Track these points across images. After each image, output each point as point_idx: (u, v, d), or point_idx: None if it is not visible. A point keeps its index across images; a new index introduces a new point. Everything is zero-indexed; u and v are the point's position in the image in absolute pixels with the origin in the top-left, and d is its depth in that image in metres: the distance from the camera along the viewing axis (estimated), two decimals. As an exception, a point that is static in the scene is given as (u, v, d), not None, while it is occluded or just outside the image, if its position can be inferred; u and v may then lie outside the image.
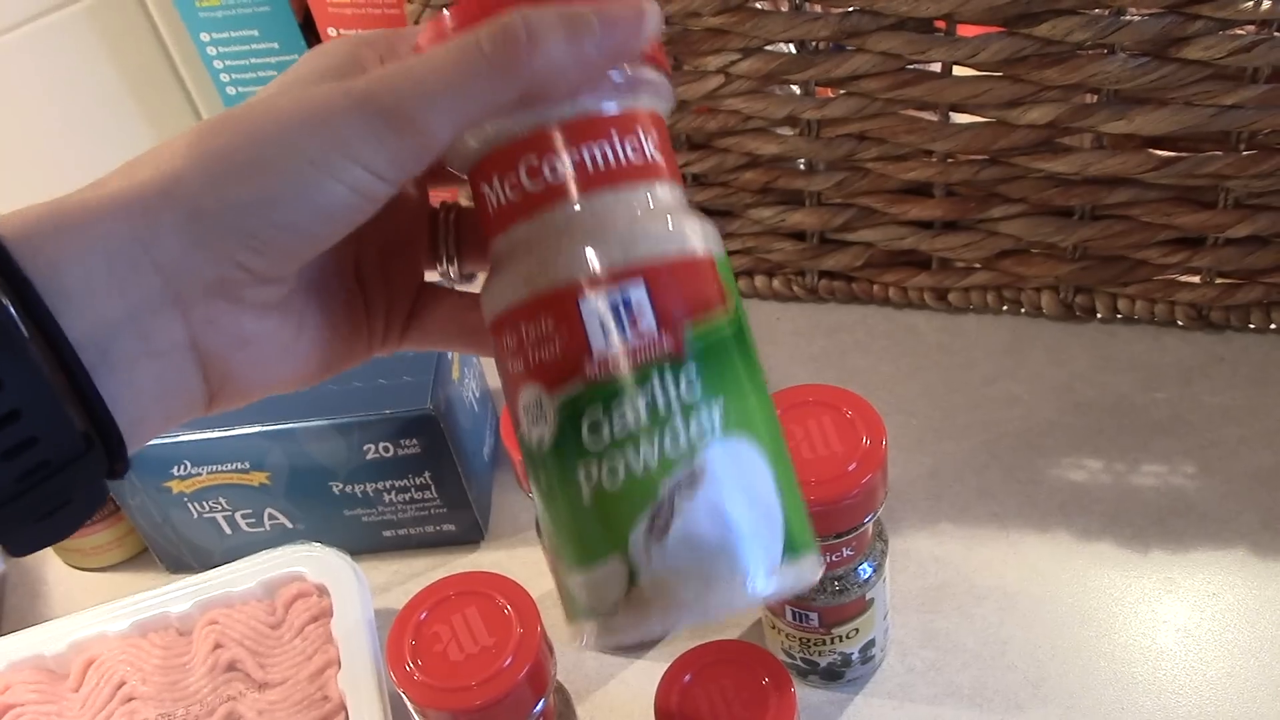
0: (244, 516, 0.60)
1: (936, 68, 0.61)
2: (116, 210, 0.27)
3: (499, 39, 0.28)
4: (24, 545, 0.28)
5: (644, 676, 0.55)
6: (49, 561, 0.66)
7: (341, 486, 0.59)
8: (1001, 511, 0.59)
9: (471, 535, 0.62)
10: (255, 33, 0.78)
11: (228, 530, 0.61)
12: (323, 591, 0.55)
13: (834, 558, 0.48)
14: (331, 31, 0.78)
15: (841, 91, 0.63)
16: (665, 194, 0.30)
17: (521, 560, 0.61)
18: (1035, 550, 0.57)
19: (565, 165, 0.29)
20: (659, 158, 0.31)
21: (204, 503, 0.59)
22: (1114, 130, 0.59)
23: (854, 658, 0.52)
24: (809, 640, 0.51)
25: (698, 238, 0.30)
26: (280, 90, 0.30)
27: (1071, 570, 0.56)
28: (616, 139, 0.30)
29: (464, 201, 0.35)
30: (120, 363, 0.27)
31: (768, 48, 0.62)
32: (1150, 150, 0.61)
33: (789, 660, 0.53)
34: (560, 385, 0.28)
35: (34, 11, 0.75)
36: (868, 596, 0.50)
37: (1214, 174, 0.60)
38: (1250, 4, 0.54)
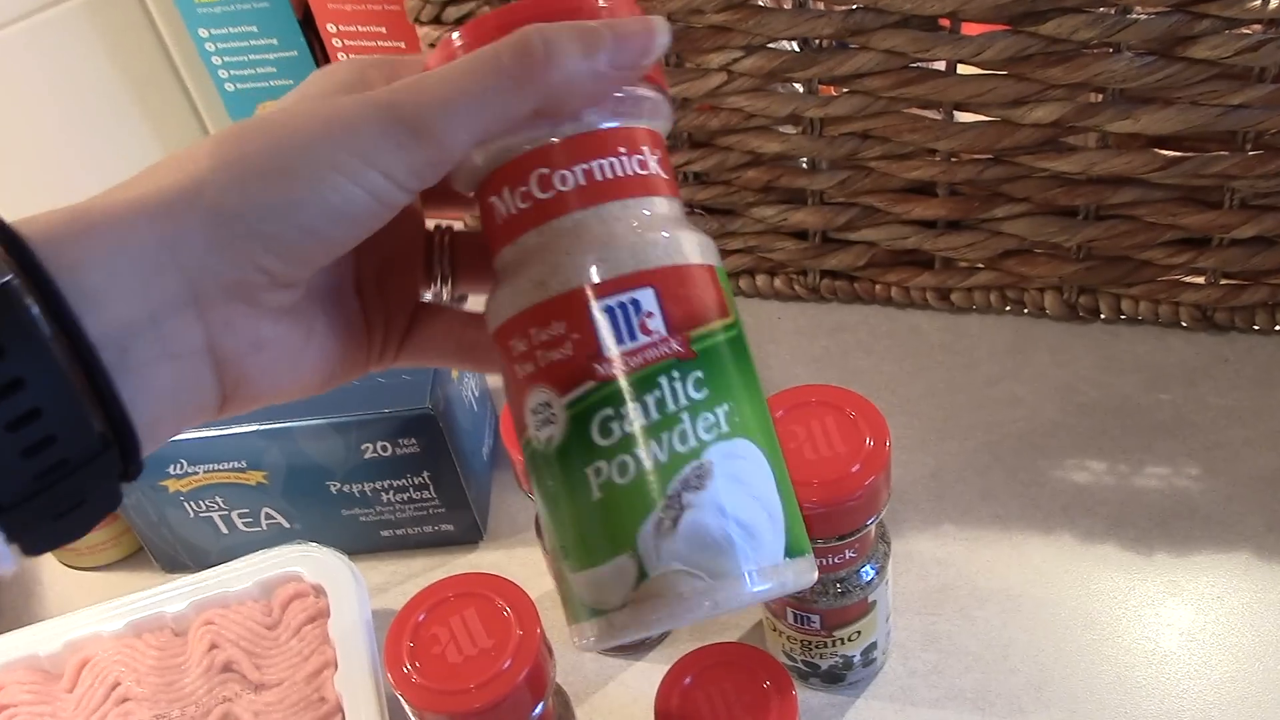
0: (240, 516, 0.60)
1: (940, 66, 0.60)
2: (141, 213, 0.28)
3: (518, 52, 0.29)
4: (38, 544, 0.28)
5: (644, 679, 0.55)
6: (44, 560, 0.65)
7: (339, 486, 0.58)
8: (1004, 513, 0.59)
9: (470, 535, 0.61)
10: (254, 29, 0.78)
11: (224, 530, 0.60)
12: (320, 592, 0.55)
13: (836, 560, 0.47)
14: (331, 28, 0.77)
15: (844, 90, 0.63)
16: (669, 207, 0.32)
17: (520, 560, 0.60)
18: (1038, 552, 0.57)
19: (576, 176, 0.30)
20: (663, 173, 0.32)
21: (200, 502, 0.59)
22: (1119, 129, 0.59)
23: (855, 660, 0.52)
24: (810, 642, 0.51)
25: (700, 249, 0.31)
26: (295, 103, 0.30)
27: (1075, 573, 0.56)
28: (624, 153, 0.31)
29: (460, 225, 0.36)
30: (139, 364, 0.28)
31: (770, 45, 0.62)
32: (1155, 150, 0.60)
33: (790, 663, 0.53)
34: (571, 386, 0.29)
35: (32, 7, 0.75)
36: (870, 599, 0.49)
37: (1220, 174, 0.59)
38: (1257, 3, 0.53)
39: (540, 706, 0.43)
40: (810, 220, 0.68)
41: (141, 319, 0.27)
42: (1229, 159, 0.59)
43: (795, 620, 0.50)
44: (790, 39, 0.62)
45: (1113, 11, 0.55)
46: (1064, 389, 0.64)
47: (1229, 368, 0.64)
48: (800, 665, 0.53)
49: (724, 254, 0.70)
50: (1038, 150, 0.61)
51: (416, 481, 0.58)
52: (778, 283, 0.71)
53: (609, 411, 0.29)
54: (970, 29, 0.58)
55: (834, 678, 0.53)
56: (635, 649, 0.56)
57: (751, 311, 0.71)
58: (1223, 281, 0.64)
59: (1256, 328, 0.65)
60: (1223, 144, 0.60)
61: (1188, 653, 0.52)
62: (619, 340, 0.29)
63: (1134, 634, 0.53)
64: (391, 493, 0.59)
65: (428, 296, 0.36)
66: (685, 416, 0.29)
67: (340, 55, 0.79)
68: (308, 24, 0.78)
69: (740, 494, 0.29)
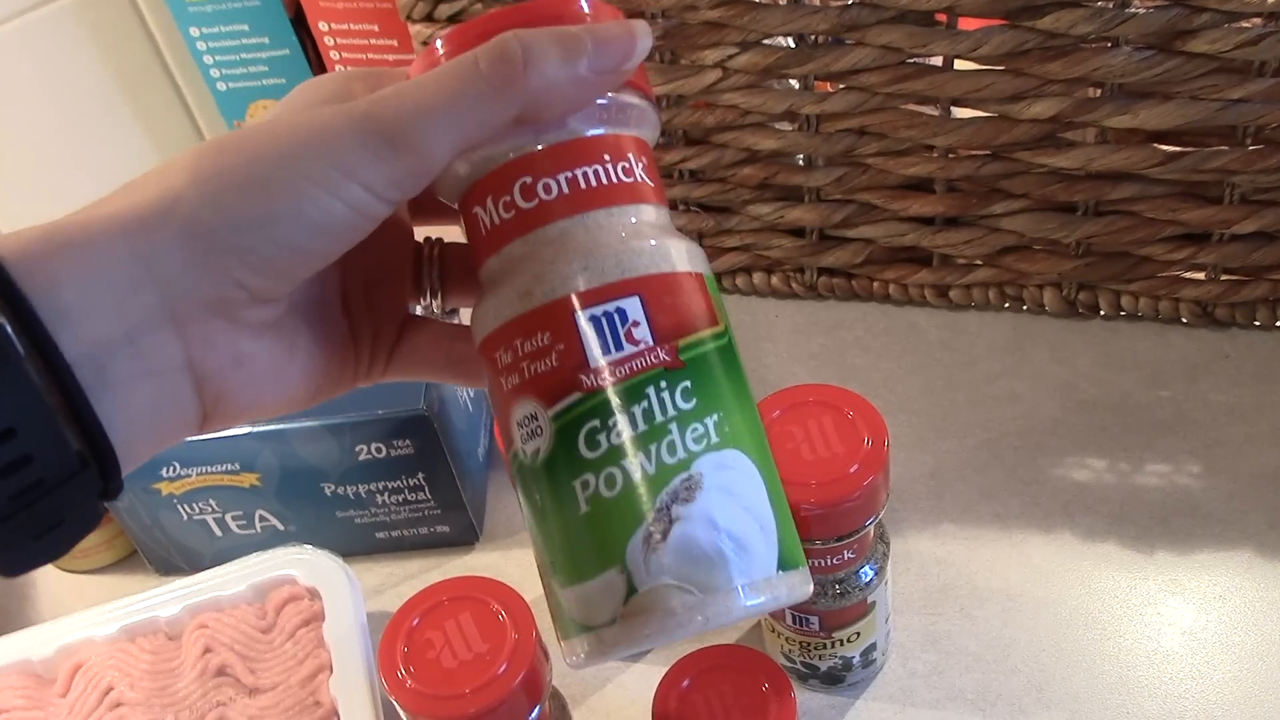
0: (234, 518, 0.59)
1: (938, 61, 0.60)
2: (116, 230, 0.27)
3: (496, 59, 0.29)
4: (16, 566, 0.28)
5: (641, 682, 0.54)
6: (37, 564, 0.65)
7: (333, 488, 0.58)
8: (1004, 512, 0.58)
9: (466, 537, 0.61)
10: (245, 28, 0.77)
11: (218, 532, 0.60)
12: (314, 595, 0.54)
13: (835, 560, 0.47)
14: (323, 26, 0.77)
15: (841, 86, 0.62)
16: (656, 215, 0.31)
17: (517, 562, 0.60)
18: (1039, 551, 0.56)
19: (560, 184, 0.30)
20: (649, 181, 0.32)
21: (194, 504, 0.58)
22: (1118, 125, 0.59)
23: (855, 661, 0.52)
24: (809, 644, 0.51)
25: (688, 258, 0.31)
26: (275, 117, 0.30)
27: (1076, 572, 0.56)
28: (609, 161, 0.30)
29: (449, 239, 0.36)
30: (117, 382, 0.27)
31: (766, 41, 0.61)
32: (1155, 145, 0.60)
33: (789, 664, 0.53)
34: (557, 398, 0.29)
35: (22, 6, 0.74)
36: (869, 599, 0.49)
37: (1220, 169, 0.59)
38: (1257, -4, 0.53)
39: (536, 710, 0.43)
40: (807, 217, 0.67)
41: (118, 337, 0.27)
42: (1229, 154, 0.59)
43: (794, 622, 0.50)
44: (785, 35, 0.61)
45: (1111, 5, 0.55)
46: (1064, 386, 0.64)
47: (1230, 364, 0.63)
48: (799, 667, 0.52)
49: (720, 252, 0.70)
50: (1036, 146, 0.61)
51: (411, 483, 0.58)
52: (774, 280, 0.70)
53: (595, 423, 0.28)
54: (967, 24, 0.58)
55: (833, 679, 0.53)
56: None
57: (748, 310, 0.71)
58: (1223, 277, 0.64)
59: (1257, 323, 0.64)
60: (1222, 139, 0.59)
61: (1190, 652, 0.52)
62: (605, 350, 0.28)
63: (1135, 633, 0.53)
64: (386, 494, 0.58)
65: (417, 310, 0.36)
66: (674, 427, 0.28)
67: (332, 53, 0.78)
68: (299, 23, 0.77)
69: (731, 506, 0.28)
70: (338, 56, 0.78)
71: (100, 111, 0.80)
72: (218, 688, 0.53)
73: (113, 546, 0.63)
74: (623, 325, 0.29)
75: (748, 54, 0.61)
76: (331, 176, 0.28)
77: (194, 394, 0.29)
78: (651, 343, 0.29)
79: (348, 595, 0.53)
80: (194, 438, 0.55)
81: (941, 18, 0.58)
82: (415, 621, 0.43)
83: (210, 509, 0.59)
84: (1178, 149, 0.60)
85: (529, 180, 0.30)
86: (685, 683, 0.45)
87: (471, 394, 0.63)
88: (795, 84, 0.64)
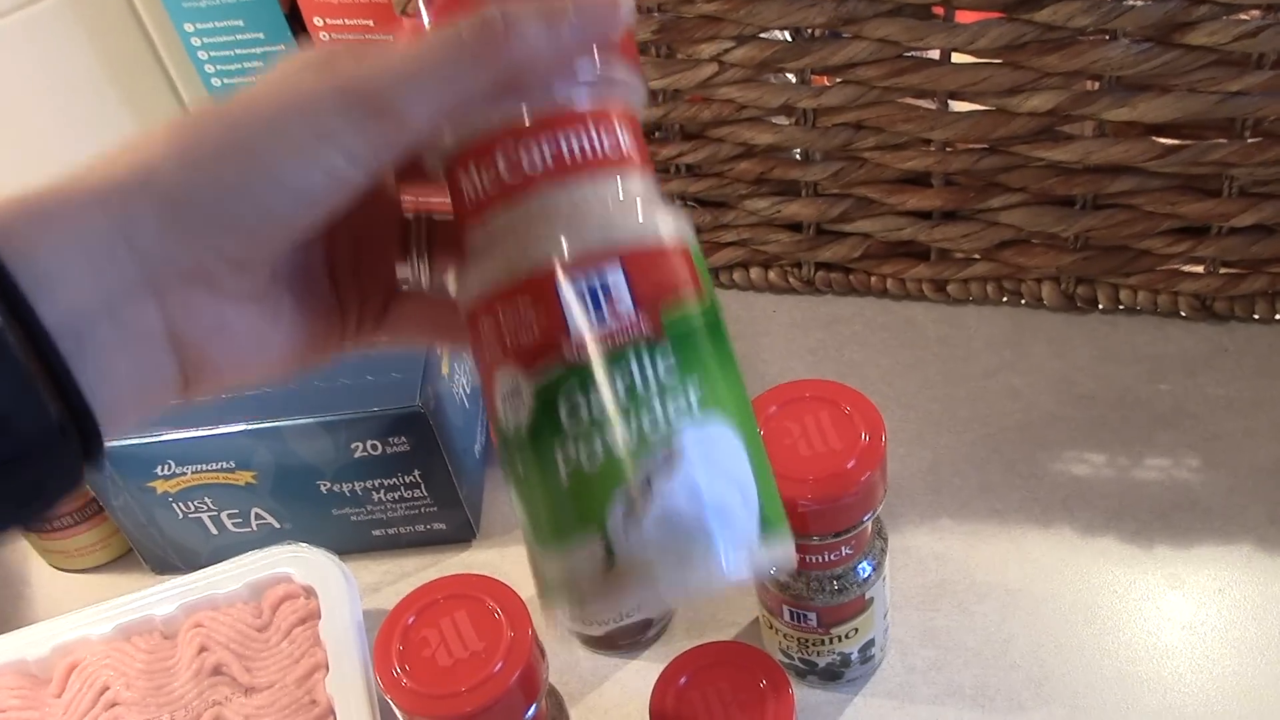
0: (230, 516, 0.59)
1: (935, 54, 0.60)
2: (94, 198, 0.27)
3: (477, 26, 0.29)
4: None
5: (638, 679, 0.54)
6: (32, 563, 0.64)
7: (329, 485, 0.58)
8: (1003, 507, 0.58)
9: (463, 534, 0.61)
10: (240, 23, 0.77)
11: (214, 531, 0.60)
12: (310, 593, 0.54)
13: (833, 556, 0.47)
14: (318, 21, 0.76)
15: (838, 79, 0.62)
16: (640, 185, 0.31)
17: (514, 559, 0.60)
18: (1037, 546, 0.56)
19: (543, 154, 0.30)
20: (634, 151, 0.31)
21: (189, 503, 0.58)
22: (1116, 118, 0.58)
23: (853, 658, 0.51)
24: (807, 640, 0.50)
25: (672, 227, 0.30)
26: (256, 85, 0.30)
27: (1075, 566, 0.55)
28: (592, 129, 0.30)
29: (437, 211, 0.36)
30: (96, 350, 0.27)
31: (762, 35, 0.61)
32: (1153, 138, 0.60)
33: (787, 661, 0.52)
34: (538, 368, 0.29)
35: (17, 2, 0.74)
36: (867, 595, 0.49)
37: (1218, 162, 0.59)
38: (1256, -13, 0.53)
39: (533, 709, 0.43)
40: (804, 212, 0.67)
41: (97, 305, 0.27)
42: (1227, 146, 0.58)
43: (792, 618, 0.50)
44: (782, 28, 0.61)
45: (1109, -2, 0.54)
46: (1062, 381, 0.63)
47: (1229, 358, 0.63)
48: (798, 663, 0.52)
49: (717, 247, 0.70)
50: (1034, 139, 0.61)
51: (408, 480, 0.58)
52: (772, 275, 0.70)
53: (577, 393, 0.28)
54: (964, 17, 0.58)
55: (832, 675, 0.52)
56: (629, 646, 0.55)
57: (745, 305, 0.70)
58: (1222, 270, 0.64)
59: (1256, 317, 0.64)
60: (1221, 131, 0.59)
61: (1189, 646, 0.52)
62: (587, 321, 0.28)
63: (1135, 628, 0.53)
64: (382, 492, 0.58)
65: (406, 280, 0.35)
66: (655, 398, 0.28)
67: (328, 49, 0.78)
68: (294, 17, 0.77)
69: (712, 476, 0.28)
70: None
71: (95, 107, 0.80)
72: (213, 687, 0.53)
73: (108, 546, 0.63)
74: (605, 296, 0.29)
75: (744, 48, 0.61)
76: (310, 143, 0.28)
77: (175, 362, 0.29)
78: (634, 313, 0.28)
79: (344, 593, 0.53)
80: (190, 434, 0.55)
81: (938, 11, 0.58)
82: (411, 620, 0.43)
83: (206, 507, 0.58)
84: (1176, 142, 0.59)
85: (513, 149, 0.30)
86: (683, 680, 0.45)
87: (468, 390, 0.63)
88: (792, 78, 0.63)
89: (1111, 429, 0.60)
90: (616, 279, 0.29)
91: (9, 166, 0.77)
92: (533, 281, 0.29)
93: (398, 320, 0.35)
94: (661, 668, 0.45)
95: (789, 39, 0.61)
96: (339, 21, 0.76)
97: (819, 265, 0.69)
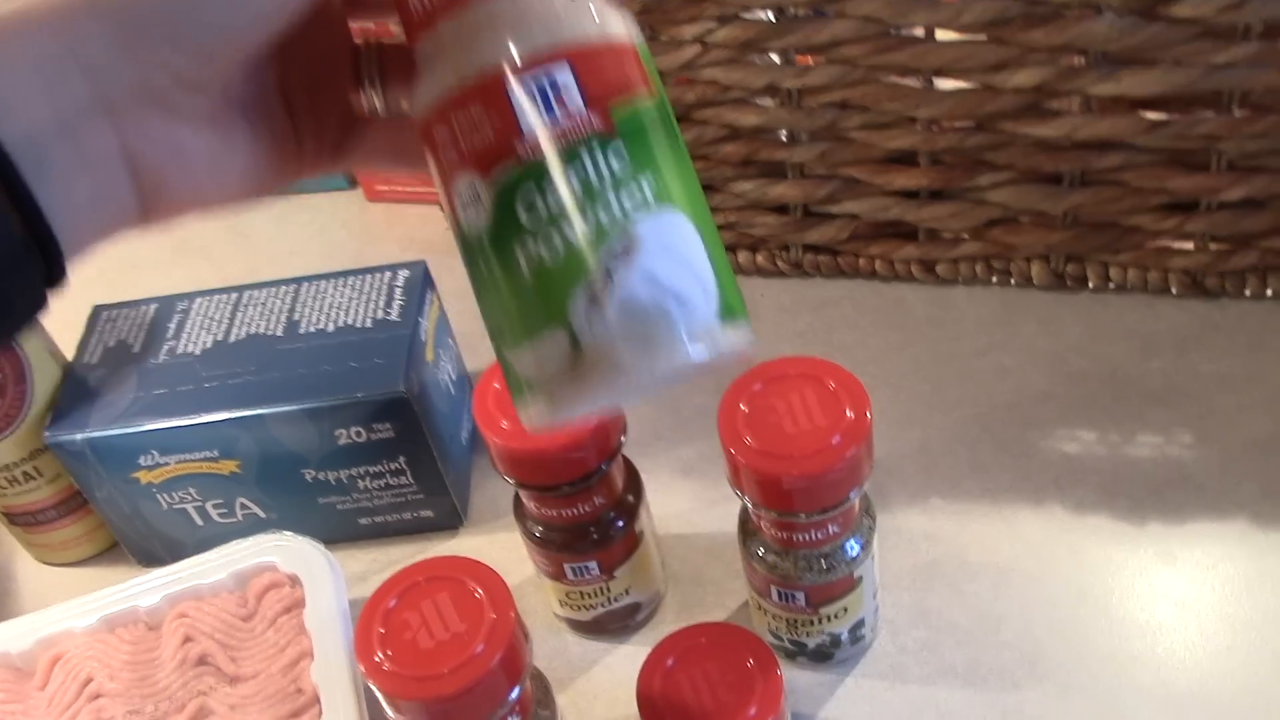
0: (215, 507, 0.58)
1: (919, 32, 0.59)
2: (41, 22, 0.28)
3: None
4: None
5: (627, 662, 0.53)
6: (18, 557, 0.64)
7: (314, 474, 0.57)
8: (994, 486, 0.58)
9: (450, 521, 0.60)
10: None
11: (199, 521, 0.59)
12: (295, 582, 0.54)
13: (820, 535, 0.46)
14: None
15: (822, 59, 0.61)
16: None
17: (502, 545, 0.59)
18: (1029, 525, 0.56)
19: None
20: None
21: (173, 493, 0.58)
22: (1102, 92, 0.58)
23: (843, 638, 0.51)
24: (796, 621, 0.50)
25: (619, 26, 0.31)
26: None
27: (1066, 544, 0.55)
28: None
29: (387, 38, 0.36)
30: (55, 173, 0.28)
31: (745, 15, 0.60)
32: (1140, 112, 0.59)
33: (776, 642, 0.52)
34: (494, 169, 0.29)
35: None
36: (855, 574, 0.48)
37: (1206, 135, 0.58)
38: (1240, -43, 0.52)
39: (517, 690, 0.42)
40: (791, 194, 0.66)
41: (53, 127, 0.28)
42: (1215, 120, 0.58)
43: (780, 598, 0.49)
44: (764, 8, 0.60)
45: (1093, -30, 0.54)
46: (1053, 359, 0.63)
47: (1220, 334, 0.62)
48: (787, 644, 0.52)
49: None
50: (1020, 116, 0.60)
51: (393, 467, 0.57)
52: (759, 259, 0.70)
53: (532, 189, 0.29)
54: (948, -8, 0.57)
55: (822, 656, 0.52)
56: (617, 631, 0.55)
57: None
58: (1212, 246, 0.63)
59: (1247, 293, 0.64)
60: (1209, 105, 0.58)
61: (1182, 623, 0.51)
62: (537, 118, 0.29)
63: (1128, 605, 0.52)
64: (368, 479, 0.58)
65: (361, 106, 0.36)
66: (610, 191, 0.29)
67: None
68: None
69: (669, 262, 0.29)
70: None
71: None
72: (198, 677, 0.52)
73: (94, 538, 0.62)
74: (554, 92, 0.29)
75: (727, 28, 0.61)
76: None
77: (132, 185, 0.30)
78: (584, 108, 0.29)
79: (329, 581, 0.53)
80: (173, 423, 0.54)
81: (922, -14, 0.57)
82: (392, 603, 0.43)
83: (190, 497, 0.58)
84: (1163, 116, 0.59)
85: None
86: (670, 661, 0.45)
87: (454, 376, 0.62)
88: (775, 58, 0.63)
89: (1103, 407, 0.60)
90: (565, 77, 0.29)
91: None
92: (483, 85, 0.29)
93: (356, 146, 0.36)
94: (649, 651, 0.44)
95: (772, 19, 0.60)
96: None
97: (806, 248, 0.69)
